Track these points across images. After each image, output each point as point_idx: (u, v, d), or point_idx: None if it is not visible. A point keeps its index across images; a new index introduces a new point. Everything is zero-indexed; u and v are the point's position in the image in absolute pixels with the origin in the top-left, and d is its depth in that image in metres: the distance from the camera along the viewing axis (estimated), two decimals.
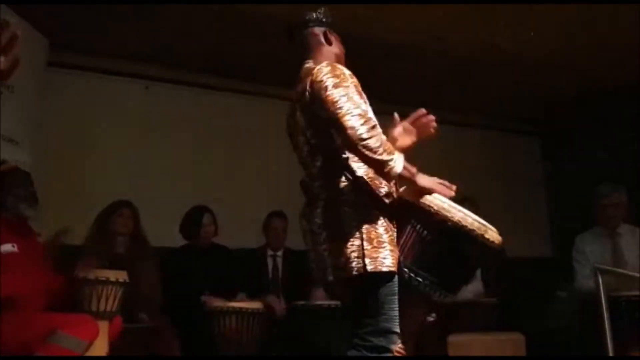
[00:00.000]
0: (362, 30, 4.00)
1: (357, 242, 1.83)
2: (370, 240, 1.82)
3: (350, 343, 1.86)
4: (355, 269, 1.80)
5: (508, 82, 5.01)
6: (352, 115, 1.82)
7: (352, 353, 1.82)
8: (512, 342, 3.20)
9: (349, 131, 1.80)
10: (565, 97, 5.39)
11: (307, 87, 1.94)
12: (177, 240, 3.82)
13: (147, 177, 4.40)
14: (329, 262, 1.87)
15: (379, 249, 1.82)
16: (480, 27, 4.07)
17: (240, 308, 3.11)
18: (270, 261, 3.98)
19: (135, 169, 4.39)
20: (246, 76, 4.82)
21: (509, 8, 3.80)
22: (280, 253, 4.00)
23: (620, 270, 3.11)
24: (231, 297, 3.50)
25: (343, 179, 1.91)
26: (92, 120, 4.34)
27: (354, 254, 1.81)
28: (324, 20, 2.26)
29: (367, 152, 1.80)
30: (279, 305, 3.65)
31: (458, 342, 3.15)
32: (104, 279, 2.54)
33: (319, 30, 2.22)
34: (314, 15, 2.26)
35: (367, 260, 1.80)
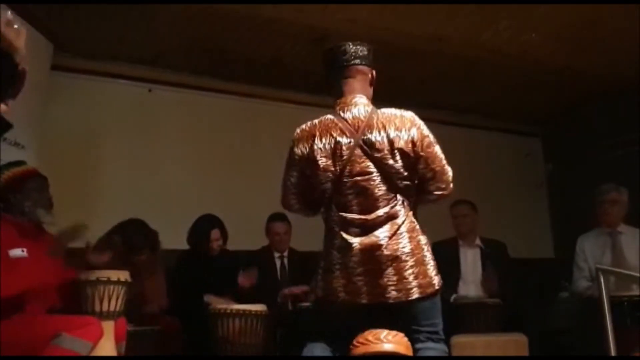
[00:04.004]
0: (364, 31, 4.01)
1: (432, 262, 2.20)
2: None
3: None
4: (437, 284, 2.18)
5: (510, 83, 5.03)
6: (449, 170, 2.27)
7: (429, 345, 2.18)
8: (514, 343, 3.20)
9: (449, 179, 2.25)
10: (567, 98, 5.40)
11: (415, 137, 2.15)
12: (181, 243, 3.82)
13: (151, 179, 4.42)
14: (414, 283, 2.13)
15: None
16: (481, 29, 4.08)
17: (244, 310, 3.12)
18: (278, 262, 3.99)
19: (140, 171, 4.41)
20: (250, 79, 4.85)
21: (510, 10, 3.82)
22: (286, 254, 4.02)
23: (622, 271, 3.11)
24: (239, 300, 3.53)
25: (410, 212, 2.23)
26: (96, 123, 4.37)
27: (433, 273, 2.18)
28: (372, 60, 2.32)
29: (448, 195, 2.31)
30: (299, 289, 3.64)
31: (461, 342, 3.15)
32: (105, 279, 2.53)
33: (368, 70, 2.30)
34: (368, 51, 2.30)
35: (439, 276, 2.22)
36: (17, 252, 2.47)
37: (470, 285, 3.81)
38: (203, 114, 4.76)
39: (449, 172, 2.25)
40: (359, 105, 2.19)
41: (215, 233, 3.71)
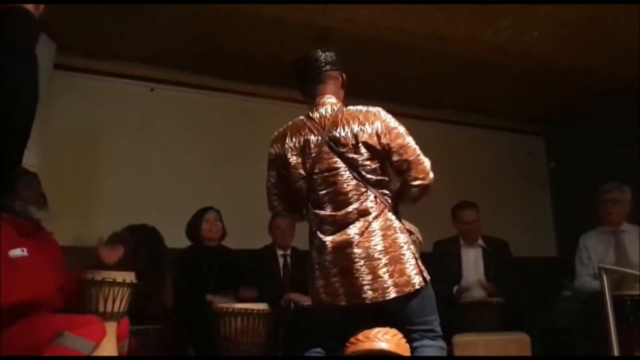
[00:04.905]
0: (365, 30, 4.01)
1: (412, 261, 2.18)
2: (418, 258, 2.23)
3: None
4: (417, 284, 2.16)
5: (511, 82, 5.02)
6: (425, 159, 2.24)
7: (425, 343, 2.18)
8: (517, 342, 3.20)
9: (427, 169, 2.21)
10: (569, 97, 5.39)
11: (379, 130, 2.19)
12: (182, 243, 3.83)
13: (153, 178, 4.43)
14: (390, 282, 2.13)
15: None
16: (482, 28, 4.08)
17: (246, 309, 3.12)
18: (281, 260, 3.98)
19: (141, 170, 4.42)
20: (251, 78, 4.85)
21: (511, 9, 3.81)
22: (289, 252, 4.00)
23: (625, 270, 3.11)
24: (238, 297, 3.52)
25: (386, 210, 2.22)
26: (98, 122, 4.38)
27: (413, 272, 2.16)
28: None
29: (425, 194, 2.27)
30: (303, 298, 3.61)
31: (463, 341, 3.16)
32: (110, 280, 2.52)
33: (338, 74, 2.41)
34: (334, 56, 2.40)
35: (424, 274, 2.20)
36: (17, 252, 2.44)
37: (472, 284, 3.81)
38: (205, 113, 4.77)
39: (426, 162, 2.25)
40: (327, 105, 2.29)
41: (210, 214, 3.79)
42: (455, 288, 3.68)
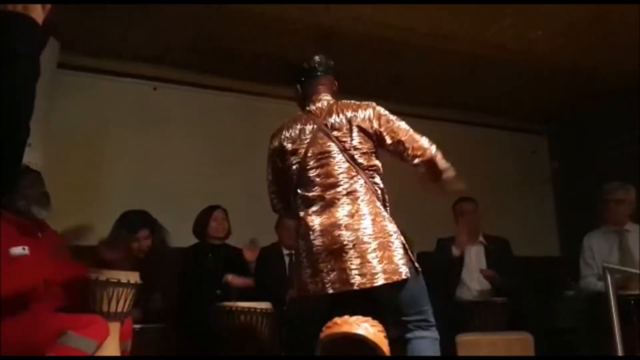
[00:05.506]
0: (368, 29, 4.01)
1: (401, 250, 2.18)
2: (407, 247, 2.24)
3: None
4: (404, 274, 2.15)
5: (515, 81, 5.01)
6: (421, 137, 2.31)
7: (418, 334, 2.18)
8: (520, 341, 3.19)
9: (423, 145, 2.27)
10: (572, 96, 5.37)
11: (371, 116, 2.31)
12: (186, 241, 3.83)
13: (156, 177, 4.43)
14: (379, 268, 2.12)
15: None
16: (486, 26, 4.07)
17: (249, 308, 3.12)
18: (286, 259, 3.96)
19: (144, 169, 4.42)
20: (255, 77, 4.84)
21: (515, 7, 3.80)
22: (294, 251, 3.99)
23: (629, 269, 3.10)
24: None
25: (375, 198, 2.26)
26: (101, 121, 4.38)
27: (401, 262, 2.16)
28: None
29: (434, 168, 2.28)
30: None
31: (467, 341, 3.15)
32: (115, 280, 2.54)
33: (333, 78, 2.56)
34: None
35: (416, 264, 2.22)
36: (18, 250, 2.45)
37: (474, 282, 3.81)
38: (208, 112, 4.77)
39: (421, 138, 2.31)
40: (322, 100, 2.43)
41: (218, 212, 3.83)
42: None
